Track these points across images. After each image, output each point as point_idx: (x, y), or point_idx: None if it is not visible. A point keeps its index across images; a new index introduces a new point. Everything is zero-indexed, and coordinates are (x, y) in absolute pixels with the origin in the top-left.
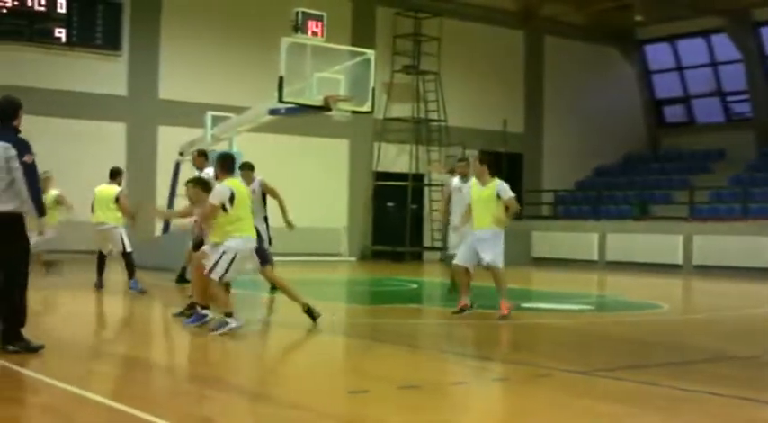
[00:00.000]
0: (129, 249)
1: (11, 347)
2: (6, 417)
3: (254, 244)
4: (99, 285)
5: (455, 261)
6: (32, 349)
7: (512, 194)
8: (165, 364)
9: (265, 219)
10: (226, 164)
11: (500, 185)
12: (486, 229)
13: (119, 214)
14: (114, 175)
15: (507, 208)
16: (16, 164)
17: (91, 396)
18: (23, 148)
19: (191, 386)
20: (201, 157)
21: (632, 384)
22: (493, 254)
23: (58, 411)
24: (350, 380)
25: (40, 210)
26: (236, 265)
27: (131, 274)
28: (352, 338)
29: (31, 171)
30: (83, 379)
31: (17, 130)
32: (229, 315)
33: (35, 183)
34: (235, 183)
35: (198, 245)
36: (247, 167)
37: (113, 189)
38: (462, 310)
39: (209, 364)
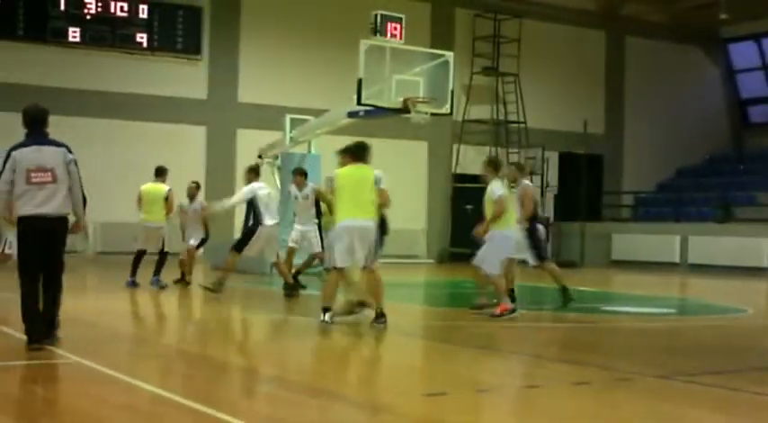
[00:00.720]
0: (166, 249)
1: (47, 341)
2: (93, 415)
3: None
4: (133, 284)
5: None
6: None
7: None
8: (240, 365)
9: (318, 225)
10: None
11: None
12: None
13: (164, 213)
14: (160, 173)
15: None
16: (74, 168)
17: (169, 396)
18: (71, 152)
19: (266, 387)
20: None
21: (716, 390)
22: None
23: (138, 410)
24: (427, 382)
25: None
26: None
27: (158, 271)
28: (430, 341)
29: (78, 175)
30: (160, 379)
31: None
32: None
33: (81, 186)
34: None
35: None
36: (299, 173)
37: (162, 188)
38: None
39: (284, 366)
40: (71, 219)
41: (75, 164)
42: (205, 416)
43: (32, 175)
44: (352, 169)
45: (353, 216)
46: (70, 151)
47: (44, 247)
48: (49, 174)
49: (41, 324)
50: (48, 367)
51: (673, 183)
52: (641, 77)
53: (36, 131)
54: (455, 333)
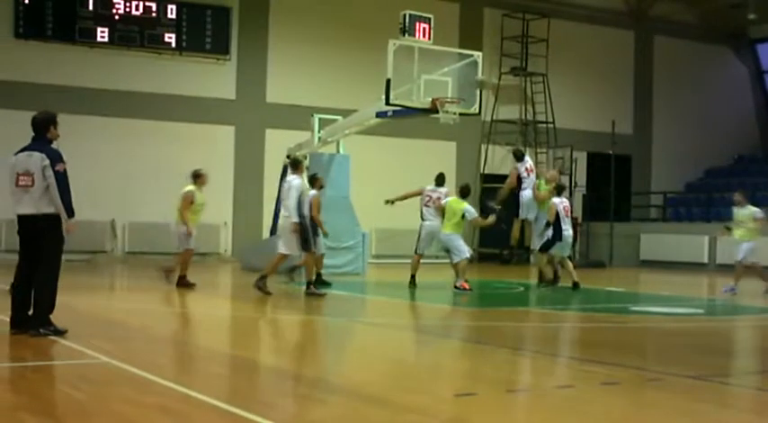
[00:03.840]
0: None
1: (42, 331)
2: (124, 416)
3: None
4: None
5: None
6: (60, 332)
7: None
8: (271, 365)
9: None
10: None
11: None
12: None
13: (188, 214)
14: (193, 177)
15: None
16: (50, 172)
17: (200, 396)
18: (56, 158)
19: (297, 387)
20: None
21: (749, 391)
22: None
23: (169, 411)
24: (457, 382)
25: (69, 212)
26: None
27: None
28: (459, 341)
29: (62, 178)
30: (191, 379)
31: (50, 141)
32: None
33: (66, 188)
34: None
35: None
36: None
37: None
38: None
39: (313, 366)
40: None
41: (52, 168)
42: (237, 417)
43: (20, 178)
44: None
45: None
46: (53, 157)
47: (27, 243)
48: (31, 178)
49: (22, 313)
50: (77, 367)
51: (701, 183)
52: (669, 77)
53: (36, 137)
54: (484, 333)
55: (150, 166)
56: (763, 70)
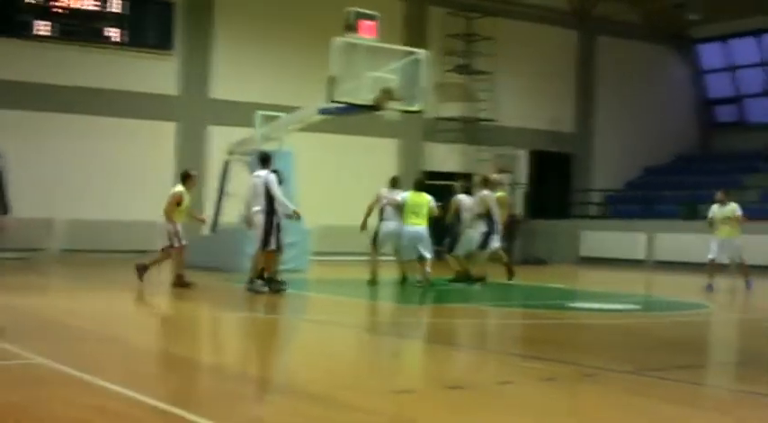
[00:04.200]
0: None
1: None
2: (61, 417)
3: None
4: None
5: None
6: None
7: None
8: (212, 364)
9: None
10: None
11: None
12: None
13: (175, 214)
14: (182, 177)
15: None
16: None
17: (140, 397)
18: None
19: (239, 386)
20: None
21: (681, 385)
22: None
23: (108, 412)
24: (396, 379)
25: (3, 209)
26: None
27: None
28: (400, 338)
29: None
30: (130, 379)
31: None
32: None
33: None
34: None
35: None
36: None
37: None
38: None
39: (255, 364)
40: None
41: None
42: (177, 417)
43: None
44: None
45: None
46: None
47: None
48: None
49: None
50: (12, 368)
51: (641, 181)
52: (612, 77)
53: None
54: (424, 330)
55: (90, 162)
56: (704, 70)
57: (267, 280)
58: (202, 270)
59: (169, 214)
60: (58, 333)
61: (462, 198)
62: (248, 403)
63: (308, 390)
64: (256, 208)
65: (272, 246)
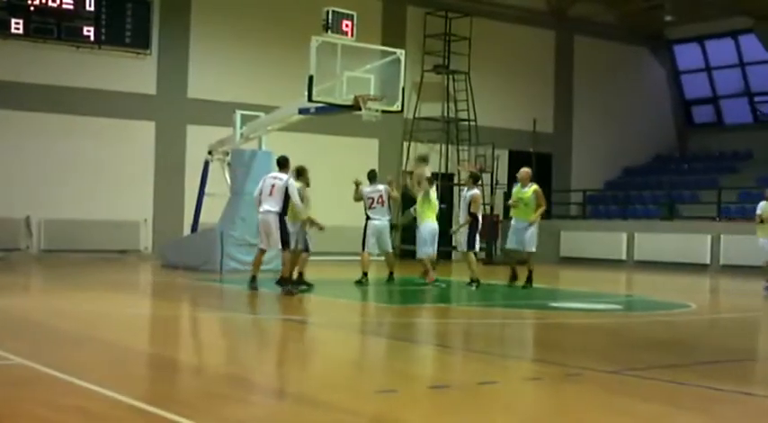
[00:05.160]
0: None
1: None
2: (41, 418)
3: None
4: None
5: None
6: None
7: None
8: (193, 365)
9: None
10: None
11: None
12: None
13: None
14: (297, 173)
15: None
16: None
17: (121, 398)
18: None
19: (220, 387)
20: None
21: (664, 384)
22: None
23: (89, 413)
24: (379, 379)
25: None
26: None
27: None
28: (382, 338)
29: None
30: (112, 380)
31: None
32: None
33: None
34: None
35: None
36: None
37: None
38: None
39: (236, 364)
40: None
41: None
42: (157, 417)
43: None
44: None
45: None
46: None
47: None
48: None
49: None
50: None
51: (620, 181)
52: (589, 77)
53: None
54: (407, 330)
55: (68, 161)
56: (680, 71)
57: (284, 280)
58: (182, 269)
59: (302, 212)
60: (38, 333)
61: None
62: (231, 404)
63: (291, 390)
64: (267, 208)
65: (293, 247)
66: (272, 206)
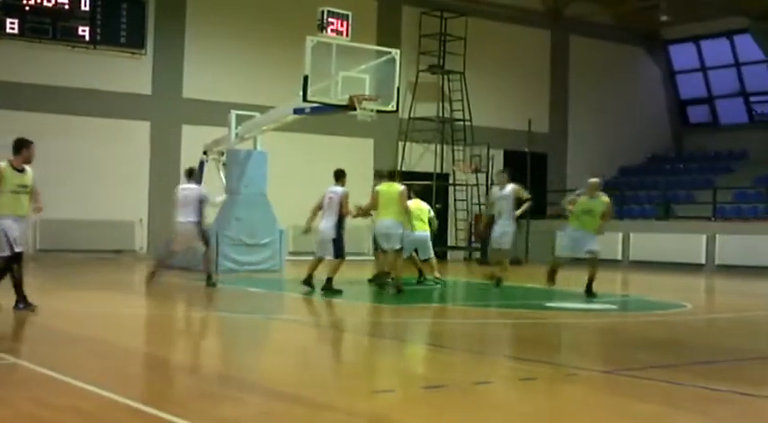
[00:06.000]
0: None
1: None
2: (35, 418)
3: None
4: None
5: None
6: None
7: None
8: (186, 364)
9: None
10: None
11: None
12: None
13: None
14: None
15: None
16: None
17: (114, 397)
18: None
19: (215, 387)
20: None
21: (660, 384)
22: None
23: (82, 412)
24: (375, 380)
25: None
26: None
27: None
28: (377, 338)
29: None
30: (105, 379)
31: None
32: None
33: None
34: None
35: None
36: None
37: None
38: None
39: (232, 365)
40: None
41: None
42: (151, 416)
43: None
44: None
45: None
46: None
47: None
48: None
49: None
50: None
51: (615, 181)
52: (585, 77)
53: None
54: (402, 330)
55: (63, 161)
56: (676, 71)
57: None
58: (177, 270)
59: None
60: (31, 333)
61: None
62: (226, 403)
63: (286, 390)
64: (327, 220)
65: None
66: (330, 217)
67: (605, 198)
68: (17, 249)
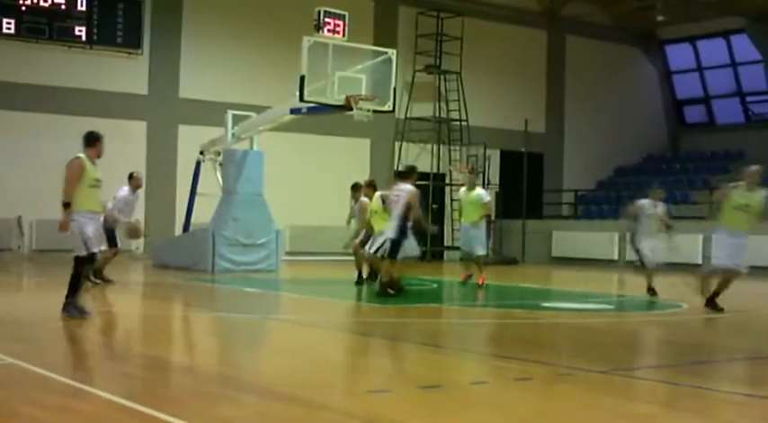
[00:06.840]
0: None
1: None
2: (32, 418)
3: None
4: None
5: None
6: None
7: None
8: (182, 363)
9: None
10: None
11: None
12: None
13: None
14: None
15: None
16: None
17: (111, 397)
18: None
19: (212, 387)
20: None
21: (655, 384)
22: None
23: (78, 413)
24: (371, 379)
25: None
26: None
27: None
28: (374, 338)
29: None
30: (102, 380)
31: None
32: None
33: None
34: None
35: None
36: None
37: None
38: None
39: (226, 363)
40: None
41: None
42: (146, 416)
43: None
44: None
45: None
46: None
47: None
48: None
49: None
50: None
51: (611, 181)
52: (581, 77)
53: None
54: (398, 330)
55: (60, 161)
56: (672, 71)
57: (386, 283)
58: (174, 269)
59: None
60: (27, 332)
61: None
62: (223, 403)
63: (283, 390)
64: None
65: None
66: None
67: (765, 191)
68: (93, 250)
